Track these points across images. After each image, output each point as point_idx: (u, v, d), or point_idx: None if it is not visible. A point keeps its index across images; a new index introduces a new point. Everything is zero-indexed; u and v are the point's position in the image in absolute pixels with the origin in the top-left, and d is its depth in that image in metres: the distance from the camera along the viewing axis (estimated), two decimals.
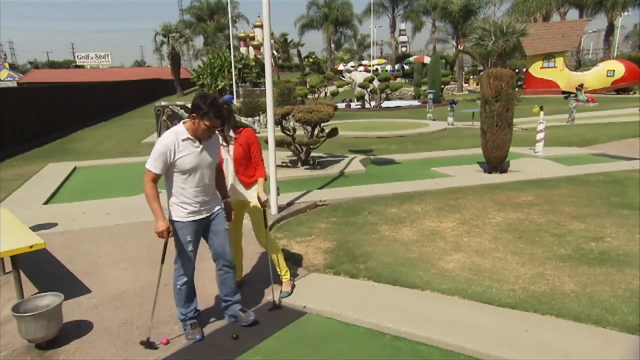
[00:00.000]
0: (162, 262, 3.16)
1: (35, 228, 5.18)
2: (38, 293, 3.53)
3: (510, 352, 2.80)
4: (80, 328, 3.33)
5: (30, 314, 2.99)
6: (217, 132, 3.21)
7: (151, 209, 2.93)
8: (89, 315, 3.50)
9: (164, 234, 2.94)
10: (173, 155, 2.90)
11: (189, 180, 2.99)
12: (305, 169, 8.69)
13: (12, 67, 62.13)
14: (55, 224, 5.66)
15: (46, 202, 6.87)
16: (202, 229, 3.16)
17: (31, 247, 3.48)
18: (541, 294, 3.55)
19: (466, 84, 36.84)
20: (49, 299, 3.21)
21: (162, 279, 4.15)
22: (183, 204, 3.03)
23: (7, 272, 4.18)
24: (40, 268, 4.40)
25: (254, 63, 33.85)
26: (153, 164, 2.91)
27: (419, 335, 3.07)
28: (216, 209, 3.21)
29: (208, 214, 3.15)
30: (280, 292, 3.70)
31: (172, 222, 3.05)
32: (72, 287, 3.96)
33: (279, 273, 3.76)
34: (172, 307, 3.58)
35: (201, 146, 2.99)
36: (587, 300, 3.43)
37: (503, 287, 3.69)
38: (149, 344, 3.06)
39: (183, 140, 2.93)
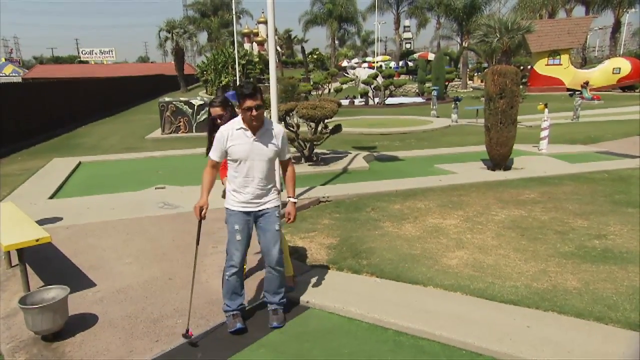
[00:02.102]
0: (197, 243, 3.25)
1: (40, 222, 5.22)
2: (44, 286, 3.57)
3: (512, 347, 2.82)
4: (86, 321, 3.36)
5: (36, 306, 3.03)
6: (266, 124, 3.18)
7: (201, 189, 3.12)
8: (94, 309, 3.54)
9: (196, 211, 3.07)
10: (226, 143, 3.02)
11: (239, 170, 3.07)
12: (309, 165, 8.70)
13: (20, 63, 62.28)
14: (61, 219, 5.70)
15: (51, 197, 6.92)
16: (253, 222, 3.18)
17: (37, 240, 3.52)
18: (543, 291, 3.56)
19: (470, 81, 36.71)
20: (55, 292, 3.24)
21: (167, 273, 4.20)
22: (234, 192, 3.14)
23: (14, 266, 4.22)
24: (45, 262, 4.44)
25: (257, 59, 33.84)
26: (213, 152, 3.11)
27: (421, 331, 3.08)
28: (268, 205, 3.18)
29: (257, 209, 3.15)
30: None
31: (226, 209, 3.20)
32: (78, 280, 4.00)
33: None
34: (175, 302, 3.62)
35: (254, 137, 3.04)
36: (590, 297, 3.43)
37: (505, 284, 3.70)
38: (186, 336, 3.06)
39: (237, 129, 3.04)
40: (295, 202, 3.29)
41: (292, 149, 9.42)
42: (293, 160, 3.34)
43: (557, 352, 2.76)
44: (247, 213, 3.13)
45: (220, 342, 3.09)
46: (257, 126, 3.03)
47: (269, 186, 3.18)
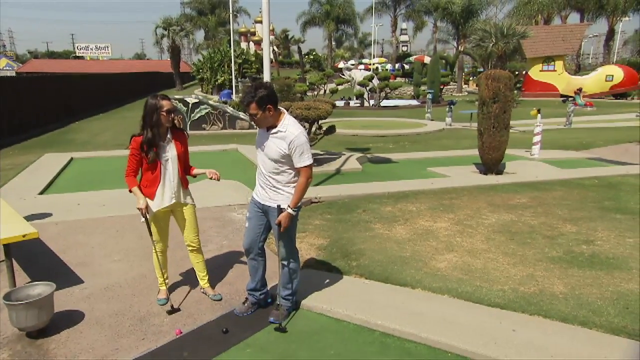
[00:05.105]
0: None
1: (29, 218, 5.20)
2: (30, 282, 3.54)
3: (497, 351, 2.84)
4: (72, 318, 3.34)
5: (21, 302, 3.00)
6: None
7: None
8: (81, 306, 3.52)
9: None
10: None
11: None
12: None
13: (15, 57, 61.74)
14: (50, 214, 5.66)
15: (41, 192, 6.86)
16: (265, 214, 3.23)
17: (24, 236, 3.48)
18: (530, 295, 3.58)
19: (466, 85, 36.88)
20: (41, 288, 3.22)
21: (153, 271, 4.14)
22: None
23: (0, 261, 4.18)
24: (33, 258, 4.41)
25: (254, 58, 33.76)
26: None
27: (407, 333, 3.09)
28: (270, 204, 3.15)
29: (263, 202, 3.19)
30: (214, 295, 3.65)
31: None
32: (65, 277, 3.97)
33: (201, 277, 3.70)
34: None
35: (266, 134, 3.12)
36: (575, 302, 3.46)
37: (493, 287, 3.72)
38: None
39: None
40: (289, 213, 3.08)
41: None
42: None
43: (540, 356, 2.78)
44: (257, 203, 3.22)
45: (206, 341, 3.08)
46: (264, 125, 3.08)
47: (277, 186, 3.11)
